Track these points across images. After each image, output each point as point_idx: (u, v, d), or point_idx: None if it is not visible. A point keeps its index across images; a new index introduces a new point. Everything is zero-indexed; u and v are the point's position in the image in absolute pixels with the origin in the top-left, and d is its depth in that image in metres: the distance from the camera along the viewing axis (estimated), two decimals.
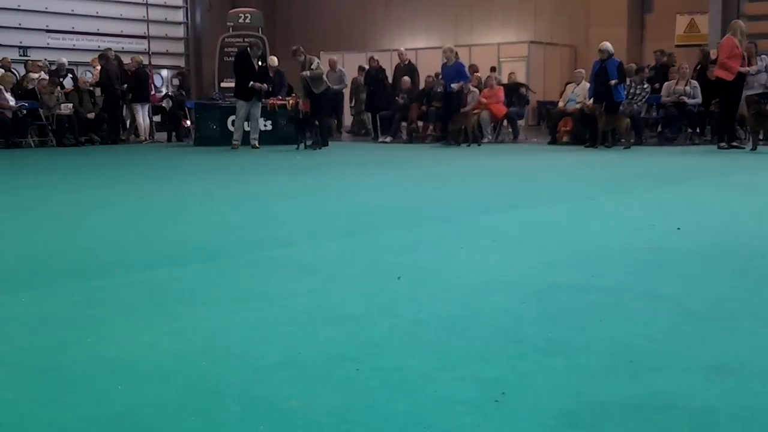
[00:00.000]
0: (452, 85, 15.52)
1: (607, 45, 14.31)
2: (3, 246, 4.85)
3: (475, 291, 3.55)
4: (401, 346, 2.73)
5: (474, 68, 17.49)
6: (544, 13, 23.67)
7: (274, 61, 16.99)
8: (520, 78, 19.52)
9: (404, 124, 17.66)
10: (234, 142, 14.81)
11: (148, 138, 17.76)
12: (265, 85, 15.16)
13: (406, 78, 17.77)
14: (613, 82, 13.91)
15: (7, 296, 3.49)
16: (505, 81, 18.40)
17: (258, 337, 2.85)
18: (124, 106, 17.65)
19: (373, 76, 18.45)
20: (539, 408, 2.17)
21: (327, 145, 15.24)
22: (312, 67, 14.95)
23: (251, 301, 3.38)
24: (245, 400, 2.24)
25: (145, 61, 19.57)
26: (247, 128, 15.15)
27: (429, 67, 19.08)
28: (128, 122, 17.92)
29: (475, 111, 16.32)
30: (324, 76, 15.39)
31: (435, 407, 2.18)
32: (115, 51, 18.36)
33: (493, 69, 18.48)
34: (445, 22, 25.21)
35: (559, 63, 22.67)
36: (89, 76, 18.37)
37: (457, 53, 16.00)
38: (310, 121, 15.10)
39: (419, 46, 23.56)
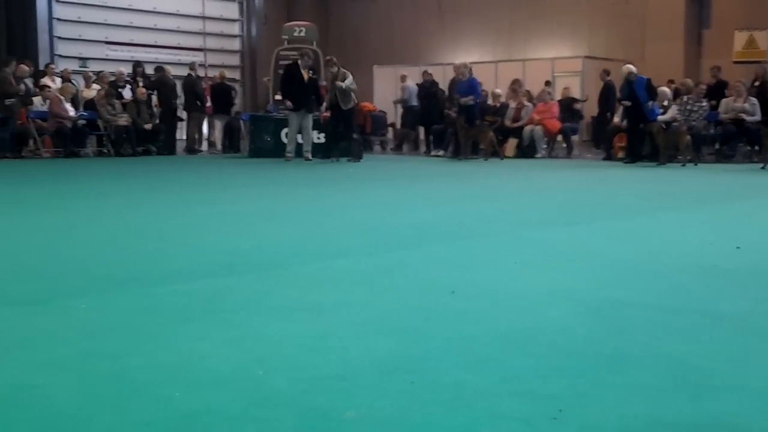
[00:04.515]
0: (461, 100, 15.71)
1: (630, 67, 14.46)
2: (65, 253, 4.93)
3: (530, 306, 3.52)
4: (456, 360, 2.72)
5: (518, 82, 17.51)
6: (599, 27, 23.48)
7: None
8: (575, 93, 19.38)
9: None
10: (287, 154, 14.92)
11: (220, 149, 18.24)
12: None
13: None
14: (650, 103, 14.17)
15: (69, 302, 3.55)
16: (558, 96, 18.30)
17: (313, 347, 2.86)
18: (195, 118, 18.17)
19: (426, 89, 18.46)
20: (597, 427, 2.14)
21: (361, 158, 15.38)
22: (347, 82, 15.02)
23: (306, 311, 3.40)
24: (301, 410, 2.24)
25: (201, 74, 19.83)
26: (300, 140, 15.26)
27: (483, 81, 19.04)
28: (191, 133, 18.28)
29: (528, 125, 16.29)
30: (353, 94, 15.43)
31: (491, 422, 2.16)
32: (171, 63, 18.72)
33: (548, 83, 18.37)
34: (499, 36, 25.15)
35: (614, 78, 22.44)
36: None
37: (470, 69, 16.26)
38: (340, 134, 15.18)
39: (473, 60, 23.52)
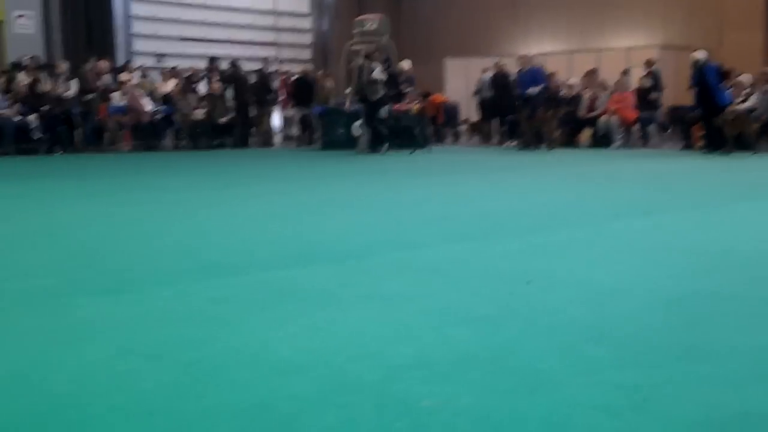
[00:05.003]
0: (528, 90, 15.49)
1: (699, 53, 14.21)
2: (146, 244, 5.04)
3: (608, 296, 3.47)
4: (534, 349, 2.70)
5: (594, 72, 17.30)
6: (675, 16, 22.96)
7: (405, 65, 17.12)
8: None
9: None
10: (360, 146, 14.99)
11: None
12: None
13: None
14: (722, 85, 13.75)
15: (150, 292, 3.63)
16: (635, 85, 17.97)
17: (390, 336, 2.87)
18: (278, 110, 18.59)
19: (498, 80, 18.32)
20: (682, 417, 2.10)
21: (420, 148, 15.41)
22: (373, 75, 14.94)
23: (382, 300, 3.41)
24: (380, 397, 2.25)
25: (270, 68, 20.06)
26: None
27: (557, 71, 18.81)
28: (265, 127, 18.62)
29: (603, 115, 16.05)
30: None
31: (571, 412, 2.14)
32: (243, 58, 19.02)
33: (625, 72, 18.04)
34: (572, 26, 24.80)
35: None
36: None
37: (531, 59, 16.08)
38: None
39: (546, 51, 23.26)
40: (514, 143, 17.07)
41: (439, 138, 19.48)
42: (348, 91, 16.33)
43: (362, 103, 15.16)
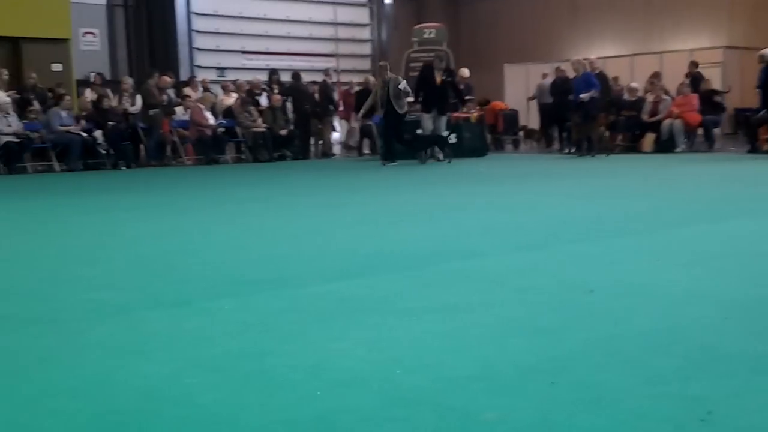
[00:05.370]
0: (581, 96, 15.32)
1: (766, 51, 13.79)
2: (206, 256, 5.10)
3: (674, 305, 3.41)
4: (597, 361, 2.66)
5: (657, 76, 17.06)
6: (741, 16, 22.52)
7: (465, 73, 17.08)
8: (715, 84, 18.64)
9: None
10: (421, 156, 14.95)
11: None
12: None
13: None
14: None
15: (212, 303, 3.67)
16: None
17: (450, 347, 2.85)
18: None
19: (558, 86, 18.16)
20: (749, 430, 2.04)
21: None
22: (400, 86, 14.90)
23: (442, 311, 3.39)
24: (440, 410, 2.24)
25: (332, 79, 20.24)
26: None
27: (618, 75, 18.59)
28: (325, 138, 18.76)
29: (666, 119, 15.80)
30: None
31: (636, 424, 2.10)
32: (304, 70, 19.20)
33: (688, 75, 17.75)
34: (633, 29, 24.49)
35: (757, 68, 21.46)
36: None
37: (585, 64, 15.86)
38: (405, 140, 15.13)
39: (607, 55, 23.00)
40: (574, 150, 16.89)
41: (498, 145, 19.39)
42: (409, 99, 16.35)
43: (387, 116, 15.07)
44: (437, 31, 19.75)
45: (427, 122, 15.08)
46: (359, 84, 19.54)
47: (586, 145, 15.68)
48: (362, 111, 16.27)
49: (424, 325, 3.17)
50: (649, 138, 16.39)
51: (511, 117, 20.32)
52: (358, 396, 2.36)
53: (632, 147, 16.60)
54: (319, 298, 3.74)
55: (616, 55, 22.91)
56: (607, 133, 16.12)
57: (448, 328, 3.13)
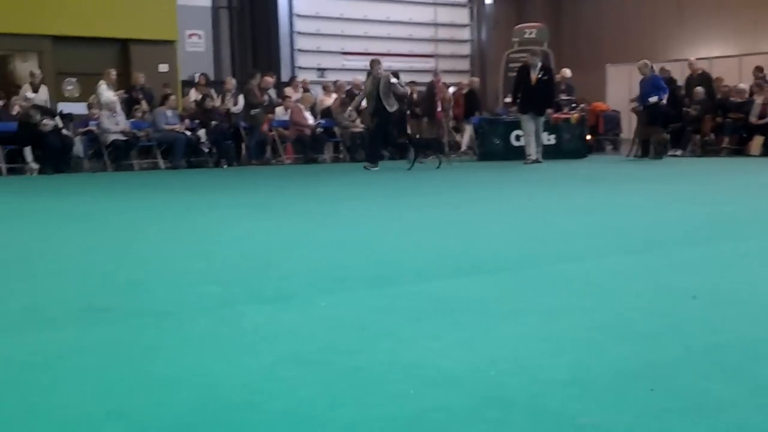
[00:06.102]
0: (649, 99, 14.88)
1: None
2: (304, 254, 5.18)
3: None
4: (698, 368, 2.59)
5: (761, 71, 16.53)
6: None
7: (566, 73, 16.87)
8: None
9: (697, 136, 16.86)
10: (528, 157, 14.77)
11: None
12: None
13: (699, 89, 16.94)
14: None
15: (310, 300, 3.73)
16: None
17: (546, 350, 2.83)
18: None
19: None
20: None
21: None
22: (392, 80, 14.35)
23: (538, 314, 3.37)
24: (534, 413, 2.23)
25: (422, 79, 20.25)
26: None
27: (725, 76, 18.06)
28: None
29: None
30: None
31: None
32: (403, 70, 19.30)
33: None
34: (741, 28, 23.72)
35: None
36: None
37: (651, 67, 15.56)
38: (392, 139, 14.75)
39: (714, 55, 22.36)
40: (679, 152, 16.49)
41: (598, 147, 19.07)
42: (507, 100, 16.18)
43: (377, 115, 14.35)
44: (538, 31, 19.56)
45: (526, 124, 14.92)
46: (468, 85, 19.52)
47: (639, 149, 15.47)
48: (350, 108, 15.86)
49: (520, 328, 3.15)
50: (758, 141, 15.87)
51: (613, 118, 19.95)
52: (452, 396, 2.37)
53: (739, 150, 16.10)
54: (415, 297, 3.76)
55: (723, 55, 22.24)
56: (666, 138, 15.81)
57: (544, 330, 3.10)
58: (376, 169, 13.91)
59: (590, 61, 24.54)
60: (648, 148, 15.51)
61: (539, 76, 14.86)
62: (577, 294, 3.75)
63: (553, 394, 2.37)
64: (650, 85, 15.24)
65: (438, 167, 13.95)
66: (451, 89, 19.46)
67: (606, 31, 26.83)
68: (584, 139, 17.10)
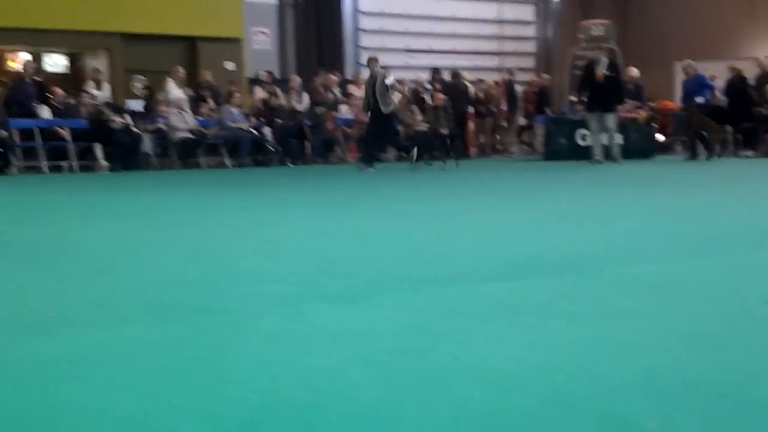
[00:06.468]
0: (696, 99, 14.51)
1: None
2: (368, 253, 5.20)
3: None
4: None
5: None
6: None
7: (634, 72, 16.64)
8: None
9: None
10: (594, 158, 14.58)
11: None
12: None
13: None
14: None
15: (374, 300, 3.74)
16: None
17: (613, 354, 2.79)
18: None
19: (734, 86, 17.39)
20: None
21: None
22: (387, 82, 13.73)
23: (605, 317, 3.33)
24: (601, 417, 2.20)
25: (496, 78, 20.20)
26: (605, 142, 14.89)
27: None
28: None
29: None
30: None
31: None
32: (466, 68, 19.25)
33: None
34: None
35: None
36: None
37: (696, 67, 15.40)
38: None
39: None
40: (750, 153, 16.13)
41: (667, 147, 18.76)
42: (572, 98, 15.99)
43: (372, 115, 13.92)
44: (605, 28, 19.32)
45: (593, 123, 14.72)
46: (525, 83, 19.48)
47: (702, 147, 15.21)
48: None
49: (586, 331, 3.11)
50: None
51: (682, 118, 19.57)
52: (517, 398, 2.36)
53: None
54: (479, 298, 3.74)
55: None
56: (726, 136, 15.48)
57: (611, 334, 3.06)
58: (372, 171, 13.56)
59: (658, 58, 24.11)
60: (697, 148, 15.25)
61: (605, 72, 14.61)
62: (644, 297, 3.69)
63: (620, 399, 2.34)
64: (696, 84, 14.97)
65: (443, 169, 13.57)
66: (518, 87, 19.42)
67: (674, 27, 26.33)
68: (652, 139, 16.84)
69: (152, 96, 16.38)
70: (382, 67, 14.35)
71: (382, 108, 13.68)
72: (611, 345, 2.91)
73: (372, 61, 14.31)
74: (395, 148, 15.00)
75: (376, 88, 13.59)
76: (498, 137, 20.38)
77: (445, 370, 2.64)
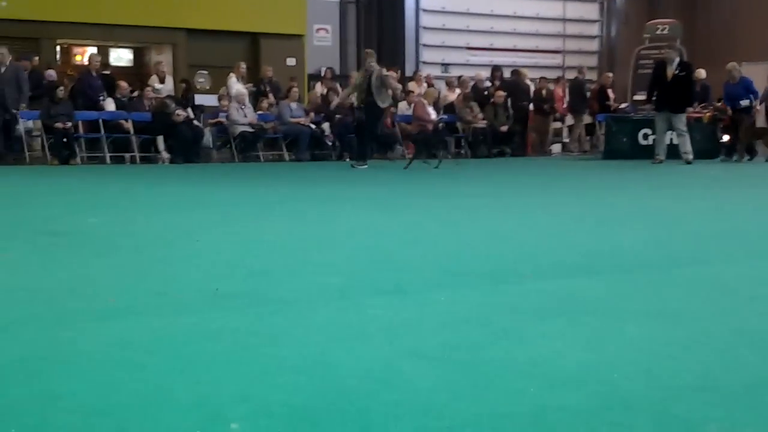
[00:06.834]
0: (741, 102, 14.10)
1: None
2: (422, 248, 5.19)
3: None
4: None
5: None
6: None
7: (701, 74, 16.34)
8: None
9: None
10: (658, 157, 14.36)
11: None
12: None
13: None
14: None
15: (429, 294, 3.74)
16: None
17: (671, 355, 2.74)
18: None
19: None
20: None
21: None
22: (383, 76, 13.48)
23: (664, 317, 3.27)
24: (660, 417, 2.16)
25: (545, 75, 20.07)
26: (674, 142, 14.69)
27: None
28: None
29: None
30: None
31: None
32: (527, 66, 19.13)
33: None
34: None
35: None
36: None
37: (740, 70, 14.87)
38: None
39: None
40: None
41: (730, 148, 18.37)
42: (636, 97, 15.73)
43: (367, 110, 13.61)
44: (671, 28, 18.99)
45: (659, 123, 14.48)
46: (590, 81, 19.30)
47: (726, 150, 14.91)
48: (336, 102, 15.46)
49: (644, 330, 3.07)
50: None
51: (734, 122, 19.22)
52: (573, 396, 2.33)
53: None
54: (535, 295, 3.71)
55: None
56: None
57: (671, 334, 3.01)
58: (364, 167, 13.35)
59: (725, 58, 23.58)
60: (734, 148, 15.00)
61: (676, 72, 14.31)
62: (704, 298, 3.63)
63: (679, 399, 2.30)
64: (742, 88, 14.63)
65: (437, 167, 13.34)
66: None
67: (743, 27, 25.73)
68: (716, 139, 16.51)
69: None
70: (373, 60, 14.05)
71: (379, 102, 13.53)
72: (671, 345, 2.86)
73: (367, 55, 14.23)
74: (377, 144, 14.88)
75: (372, 82, 13.38)
76: (557, 136, 20.22)
77: (500, 365, 2.62)
